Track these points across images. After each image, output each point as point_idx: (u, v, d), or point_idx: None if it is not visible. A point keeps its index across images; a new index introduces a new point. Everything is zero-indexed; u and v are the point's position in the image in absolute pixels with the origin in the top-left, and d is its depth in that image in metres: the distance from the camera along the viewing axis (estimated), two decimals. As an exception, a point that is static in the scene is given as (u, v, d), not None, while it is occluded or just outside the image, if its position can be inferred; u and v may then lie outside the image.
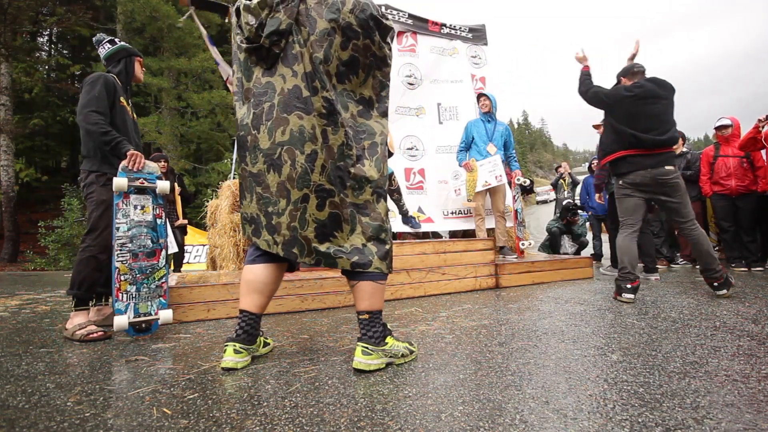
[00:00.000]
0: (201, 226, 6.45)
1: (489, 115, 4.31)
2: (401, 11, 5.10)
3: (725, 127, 4.56)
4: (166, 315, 2.14)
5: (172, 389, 1.33)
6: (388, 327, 1.58)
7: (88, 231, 2.15)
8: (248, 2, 1.43)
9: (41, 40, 16.60)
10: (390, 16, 4.99)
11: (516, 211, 4.69)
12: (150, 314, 2.10)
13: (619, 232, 2.92)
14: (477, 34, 5.66)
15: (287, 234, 1.46)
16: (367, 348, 1.46)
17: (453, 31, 5.47)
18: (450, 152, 5.02)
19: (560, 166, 7.70)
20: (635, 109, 2.74)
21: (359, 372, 1.45)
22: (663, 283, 3.53)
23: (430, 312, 2.49)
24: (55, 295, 3.91)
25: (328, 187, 1.45)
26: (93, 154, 2.19)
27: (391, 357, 1.51)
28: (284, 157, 1.44)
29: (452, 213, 4.89)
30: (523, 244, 4.46)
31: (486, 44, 5.72)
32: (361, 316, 1.51)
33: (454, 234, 5.11)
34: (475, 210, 4.33)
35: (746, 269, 4.25)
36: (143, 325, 2.07)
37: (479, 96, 4.43)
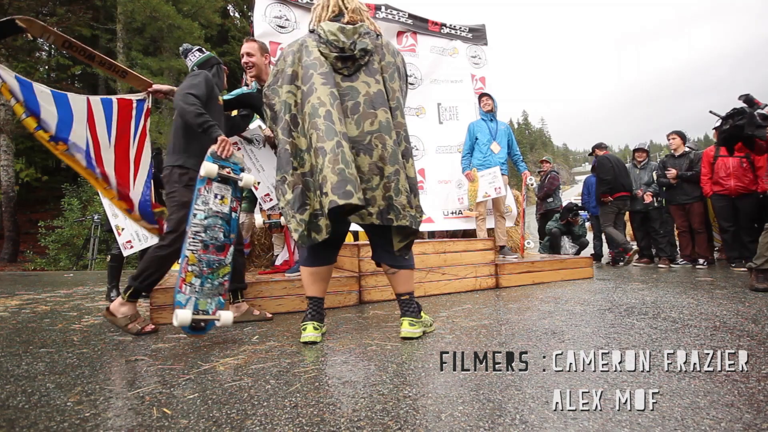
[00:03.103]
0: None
1: (491, 115, 4.31)
2: (401, 11, 5.09)
3: (725, 127, 4.56)
4: (226, 317, 1.94)
5: (172, 389, 1.33)
6: (419, 304, 1.99)
7: (169, 231, 2.11)
8: (343, 26, 1.84)
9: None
10: (390, 16, 5.00)
11: (524, 210, 4.69)
12: (207, 312, 1.93)
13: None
14: (477, 34, 5.66)
15: (383, 204, 1.76)
16: (413, 320, 1.88)
17: (453, 31, 5.47)
18: (450, 152, 5.02)
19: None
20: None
21: (406, 339, 1.84)
22: (663, 283, 3.53)
23: (430, 312, 2.49)
24: (55, 295, 3.91)
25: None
26: (178, 148, 2.18)
27: (425, 327, 1.95)
28: (374, 142, 1.76)
29: (452, 213, 4.89)
30: (529, 243, 4.47)
31: (486, 44, 5.72)
32: (402, 297, 1.92)
33: (453, 234, 5.11)
34: (475, 210, 4.34)
35: (746, 269, 4.24)
36: (201, 324, 1.91)
37: (482, 95, 4.43)
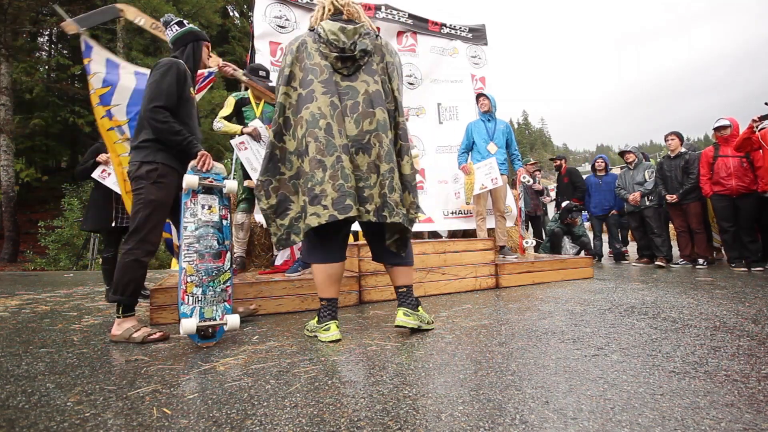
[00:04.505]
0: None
1: (489, 115, 4.31)
2: (401, 11, 5.10)
3: (724, 127, 4.57)
4: (233, 321, 1.94)
5: (172, 389, 1.33)
6: (419, 300, 2.05)
7: (133, 232, 1.99)
8: (344, 25, 1.84)
9: (41, 40, 16.62)
10: (390, 16, 5.00)
11: (521, 209, 4.68)
12: (215, 319, 1.94)
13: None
14: (477, 34, 5.67)
15: (379, 201, 1.78)
16: (407, 311, 1.92)
17: (453, 31, 5.48)
18: (450, 152, 5.02)
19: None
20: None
21: (399, 327, 1.92)
22: (663, 283, 3.53)
23: (430, 312, 2.49)
24: (55, 295, 3.91)
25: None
26: (147, 144, 2.06)
27: (421, 321, 1.97)
28: (373, 141, 1.80)
29: (452, 213, 4.89)
30: (527, 242, 4.46)
31: (486, 44, 5.73)
32: (400, 290, 1.97)
33: (453, 234, 5.11)
34: (475, 210, 4.33)
35: (746, 269, 4.25)
36: (210, 331, 1.90)
37: (478, 96, 4.44)
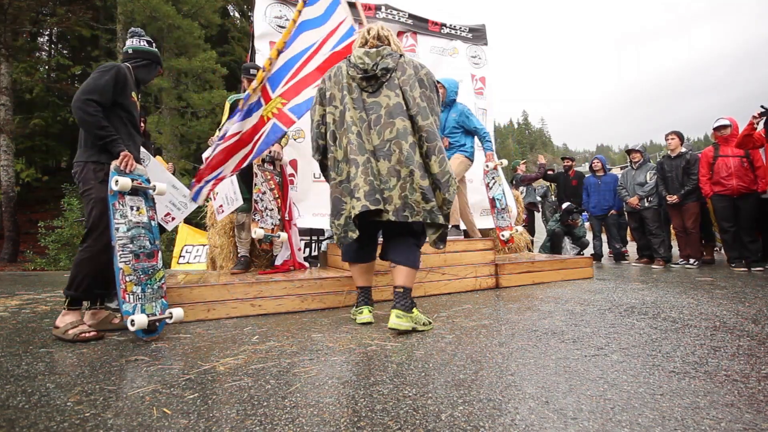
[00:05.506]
0: (201, 226, 6.44)
1: (442, 104, 3.78)
2: (401, 11, 5.09)
3: (724, 127, 4.57)
4: (178, 313, 2.10)
5: (172, 389, 1.33)
6: (414, 302, 2.10)
7: (90, 230, 2.08)
8: (369, 50, 2.10)
9: (41, 40, 16.61)
10: (390, 16, 5.00)
11: (493, 199, 4.14)
12: (155, 314, 2.05)
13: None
14: (477, 34, 5.66)
15: (399, 203, 1.97)
16: (400, 312, 1.97)
17: (453, 31, 5.47)
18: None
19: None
20: None
21: (393, 330, 1.94)
22: (663, 283, 3.53)
23: (430, 312, 2.49)
24: (55, 295, 3.91)
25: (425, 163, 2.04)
26: (91, 144, 2.10)
27: (415, 323, 2.01)
28: (393, 148, 2.00)
29: (452, 213, 4.88)
30: (503, 235, 3.99)
31: (486, 44, 5.72)
32: (397, 289, 2.03)
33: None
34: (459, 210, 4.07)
35: (746, 269, 4.25)
36: (156, 324, 2.03)
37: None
